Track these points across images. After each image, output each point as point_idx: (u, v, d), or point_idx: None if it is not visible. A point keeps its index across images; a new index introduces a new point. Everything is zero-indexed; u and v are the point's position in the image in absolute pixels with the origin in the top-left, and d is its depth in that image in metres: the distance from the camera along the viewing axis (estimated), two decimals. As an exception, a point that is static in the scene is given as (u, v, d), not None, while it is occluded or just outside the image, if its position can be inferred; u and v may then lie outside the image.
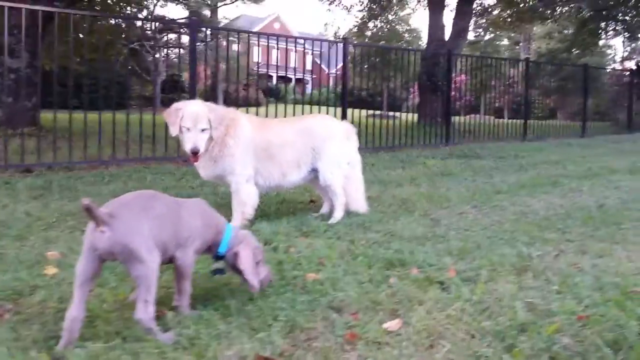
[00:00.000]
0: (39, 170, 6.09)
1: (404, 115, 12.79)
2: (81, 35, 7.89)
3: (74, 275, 2.10)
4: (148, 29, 14.32)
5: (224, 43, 17.91)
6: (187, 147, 3.70)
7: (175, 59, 21.96)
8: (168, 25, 13.92)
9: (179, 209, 2.30)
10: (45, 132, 7.02)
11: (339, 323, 2.32)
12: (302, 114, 10.04)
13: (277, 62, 9.87)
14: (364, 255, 3.25)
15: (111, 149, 6.86)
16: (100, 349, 2.02)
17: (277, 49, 9.93)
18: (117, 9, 14.61)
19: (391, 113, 13.43)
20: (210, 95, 14.93)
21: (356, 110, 9.67)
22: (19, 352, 1.99)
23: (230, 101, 14.54)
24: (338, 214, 4.24)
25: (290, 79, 29.33)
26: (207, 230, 2.39)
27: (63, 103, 7.00)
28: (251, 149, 4.00)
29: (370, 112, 12.34)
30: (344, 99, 9.31)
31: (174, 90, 20.75)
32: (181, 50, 18.30)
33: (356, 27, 25.83)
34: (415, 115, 13.28)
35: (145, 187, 5.21)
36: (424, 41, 34.63)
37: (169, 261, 2.27)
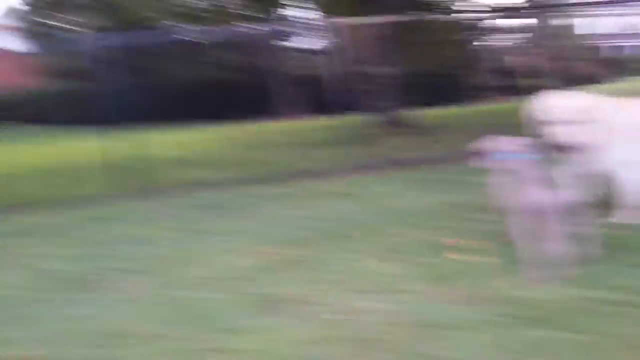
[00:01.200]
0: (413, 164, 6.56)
1: None
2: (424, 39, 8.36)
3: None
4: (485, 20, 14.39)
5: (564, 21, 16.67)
6: (551, 138, 3.60)
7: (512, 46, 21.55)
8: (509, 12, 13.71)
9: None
10: (409, 128, 7.69)
11: None
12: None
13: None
14: None
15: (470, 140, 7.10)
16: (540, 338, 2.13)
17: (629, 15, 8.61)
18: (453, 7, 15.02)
19: None
20: (550, 79, 14.13)
21: None
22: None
23: (572, 80, 13.38)
24: None
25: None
26: None
27: (419, 101, 7.55)
28: (619, 133, 3.57)
29: None
30: None
31: (508, 78, 20.39)
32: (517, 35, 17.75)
33: None
34: None
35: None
36: None
37: None
